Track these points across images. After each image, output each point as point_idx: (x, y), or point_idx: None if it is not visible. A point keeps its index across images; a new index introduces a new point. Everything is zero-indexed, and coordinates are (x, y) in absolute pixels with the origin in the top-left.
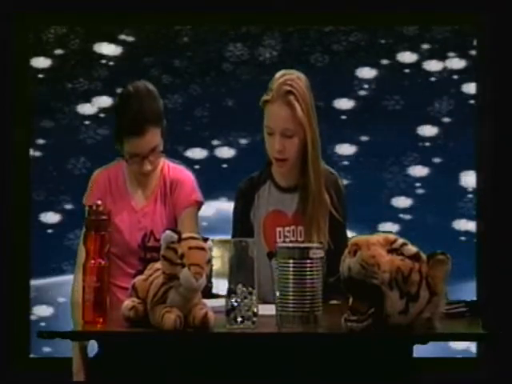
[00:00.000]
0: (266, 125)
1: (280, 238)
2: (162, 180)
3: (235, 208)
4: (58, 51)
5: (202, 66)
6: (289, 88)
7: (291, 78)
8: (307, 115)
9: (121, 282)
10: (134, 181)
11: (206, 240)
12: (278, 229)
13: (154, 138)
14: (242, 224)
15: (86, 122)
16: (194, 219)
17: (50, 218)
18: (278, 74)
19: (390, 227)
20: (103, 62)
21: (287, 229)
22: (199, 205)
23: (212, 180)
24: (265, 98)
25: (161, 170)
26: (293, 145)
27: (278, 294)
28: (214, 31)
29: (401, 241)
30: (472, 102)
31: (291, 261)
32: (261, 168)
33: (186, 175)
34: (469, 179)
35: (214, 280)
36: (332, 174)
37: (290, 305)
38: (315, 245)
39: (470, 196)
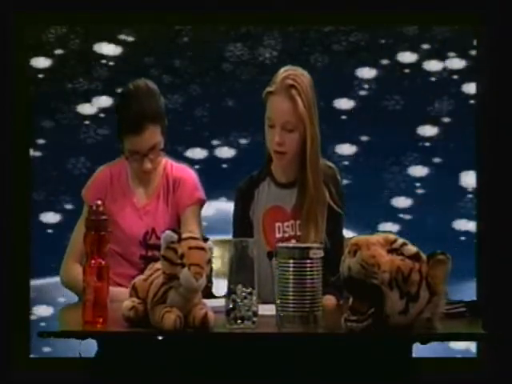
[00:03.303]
0: (267, 116)
1: (279, 233)
2: (165, 178)
3: (235, 207)
4: (58, 51)
5: (201, 66)
6: (292, 82)
7: (295, 73)
8: (308, 111)
9: (121, 280)
10: (136, 179)
11: (206, 240)
12: (278, 224)
13: (154, 136)
14: (242, 222)
15: (86, 122)
16: (196, 217)
17: (50, 218)
18: (282, 69)
19: (390, 227)
20: (103, 62)
21: (286, 224)
22: (202, 203)
23: (212, 180)
24: (268, 89)
25: (163, 169)
26: (293, 139)
27: (278, 294)
28: (214, 31)
29: (401, 241)
30: (472, 101)
31: (291, 261)
32: (260, 167)
33: (189, 173)
34: (469, 179)
35: (214, 280)
36: (330, 168)
37: (290, 305)
38: (315, 245)
39: (470, 196)
